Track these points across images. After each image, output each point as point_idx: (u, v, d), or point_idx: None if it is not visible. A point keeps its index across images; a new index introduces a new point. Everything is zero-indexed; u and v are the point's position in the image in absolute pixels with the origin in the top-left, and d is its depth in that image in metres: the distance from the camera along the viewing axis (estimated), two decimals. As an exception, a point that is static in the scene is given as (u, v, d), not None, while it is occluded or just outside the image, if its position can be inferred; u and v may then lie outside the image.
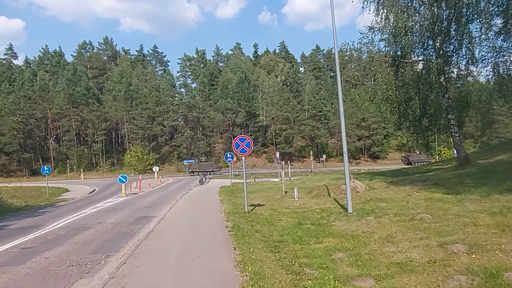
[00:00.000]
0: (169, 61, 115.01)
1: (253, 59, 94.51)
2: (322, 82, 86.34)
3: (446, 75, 18.50)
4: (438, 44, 17.81)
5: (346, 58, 19.70)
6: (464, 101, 18.46)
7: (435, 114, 19.73)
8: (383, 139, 68.26)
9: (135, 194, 23.94)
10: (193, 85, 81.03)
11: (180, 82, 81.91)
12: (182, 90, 76.28)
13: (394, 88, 18.45)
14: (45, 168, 27.01)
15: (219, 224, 9.91)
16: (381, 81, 18.19)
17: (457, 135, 18.09)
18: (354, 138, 66.03)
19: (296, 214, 11.82)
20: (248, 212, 12.46)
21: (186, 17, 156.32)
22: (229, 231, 8.75)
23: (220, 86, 75.87)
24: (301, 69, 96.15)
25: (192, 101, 68.26)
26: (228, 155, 26.23)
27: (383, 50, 19.66)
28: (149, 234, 8.98)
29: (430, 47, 18.73)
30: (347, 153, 11.32)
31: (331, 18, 10.49)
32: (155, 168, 46.51)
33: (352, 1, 18.67)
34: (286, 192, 18.34)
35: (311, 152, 52.62)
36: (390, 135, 73.39)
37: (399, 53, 18.83)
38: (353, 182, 17.07)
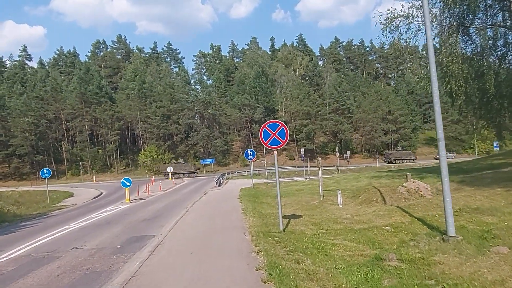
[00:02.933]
0: (184, 58, 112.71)
1: (270, 53, 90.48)
2: (342, 75, 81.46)
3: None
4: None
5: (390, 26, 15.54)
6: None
7: (508, 93, 15.32)
8: (411, 133, 62.93)
9: (142, 199, 20.59)
10: (209, 82, 77.90)
11: (195, 79, 78.79)
12: (197, 87, 73.21)
13: (460, 61, 14.18)
14: (45, 171, 24.11)
15: (244, 260, 6.17)
16: (444, 51, 13.93)
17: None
18: (380, 132, 61.09)
19: (355, 234, 8.01)
20: (284, 230, 8.67)
21: (200, 18, 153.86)
22: (263, 280, 4.99)
23: (236, 81, 72.36)
24: (320, 62, 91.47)
25: (208, 97, 64.97)
26: (249, 152, 22.56)
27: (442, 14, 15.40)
28: (128, 282, 5.34)
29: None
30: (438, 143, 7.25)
31: None
32: (170, 169, 43.38)
33: None
34: (323, 196, 14.46)
35: (337, 148, 48.28)
36: (418, 129, 67.95)
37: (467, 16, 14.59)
38: (414, 182, 13.07)
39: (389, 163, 52.94)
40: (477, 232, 6.88)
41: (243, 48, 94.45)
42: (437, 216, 8.68)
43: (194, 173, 50.38)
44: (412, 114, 66.93)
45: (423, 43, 15.83)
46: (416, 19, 15.27)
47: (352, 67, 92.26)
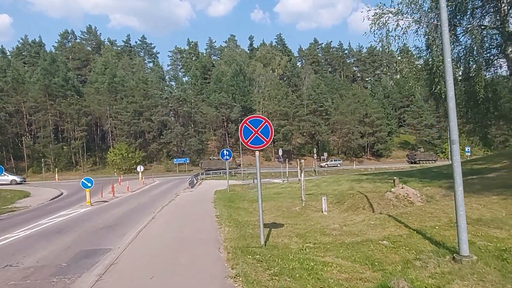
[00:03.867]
0: (159, 53, 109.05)
1: (248, 52, 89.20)
2: (320, 77, 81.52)
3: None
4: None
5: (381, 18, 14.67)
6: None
7: (493, 98, 14.88)
8: (386, 136, 63.71)
9: (105, 202, 18.71)
10: (185, 79, 75.54)
11: (170, 75, 75.96)
12: (172, 83, 70.63)
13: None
14: (-5, 168, 21.51)
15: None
16: (435, 50, 13.22)
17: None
18: (357, 135, 61.37)
19: (348, 249, 6.91)
20: (265, 244, 7.42)
21: (178, 14, 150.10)
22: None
23: (213, 79, 70.48)
24: (298, 63, 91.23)
25: (183, 94, 62.70)
26: (225, 151, 21.16)
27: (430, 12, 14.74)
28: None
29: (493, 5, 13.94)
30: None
31: None
32: (140, 168, 41.06)
33: None
34: (305, 201, 13.35)
35: (315, 149, 47.74)
36: (393, 132, 69.05)
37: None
38: (402, 188, 12.22)
39: (413, 163, 53.20)
40: (492, 251, 5.93)
41: (221, 45, 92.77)
42: (437, 228, 7.73)
43: (235, 169, 48.76)
44: (388, 117, 67.83)
45: (414, 40, 15.05)
46: (405, 16, 14.49)
47: (330, 69, 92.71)
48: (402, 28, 14.13)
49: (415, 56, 14.79)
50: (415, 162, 54.12)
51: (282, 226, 9.72)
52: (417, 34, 14.62)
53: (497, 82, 14.23)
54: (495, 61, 14.03)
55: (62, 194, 25.62)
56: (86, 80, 70.12)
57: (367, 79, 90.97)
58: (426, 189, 13.19)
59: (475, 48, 13.81)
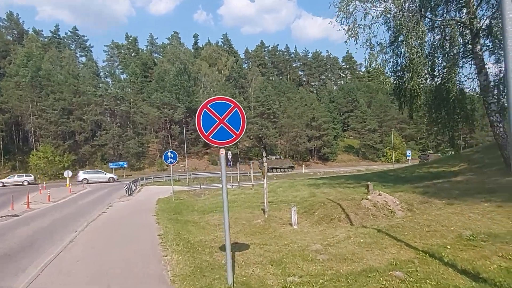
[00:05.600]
0: (93, 47, 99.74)
1: (193, 51, 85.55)
2: (267, 79, 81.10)
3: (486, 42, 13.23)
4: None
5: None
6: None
7: (459, 97, 14.29)
8: (333, 140, 64.90)
9: (15, 216, 14.77)
10: (123, 76, 69.71)
11: (106, 71, 69.14)
12: (109, 79, 64.45)
13: (425, 56, 12.57)
14: None
15: None
16: (410, 41, 12.08)
17: (500, 125, 12.76)
18: (304, 138, 61.46)
19: (351, 287, 4.87)
20: (234, 283, 5.13)
21: (115, 9, 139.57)
22: None
23: (155, 77, 65.84)
24: (245, 65, 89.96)
25: (121, 92, 57.31)
26: (169, 154, 18.30)
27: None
28: None
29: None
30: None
31: None
32: (68, 173, 35.74)
33: None
34: (263, 210, 11.30)
35: (264, 153, 46.18)
36: (339, 136, 70.80)
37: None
38: (380, 195, 10.75)
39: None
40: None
41: (163, 43, 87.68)
42: (449, 248, 6.09)
43: (291, 168, 52.80)
44: (334, 122, 69.26)
45: (384, 33, 13.90)
46: (374, 4, 13.24)
47: (277, 72, 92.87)
48: (373, 17, 12.82)
49: (383, 50, 13.63)
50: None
51: (247, 247, 7.51)
52: (386, 26, 13.44)
53: (464, 81, 13.69)
54: (464, 59, 13.38)
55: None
56: (5, 73, 60.91)
57: (312, 83, 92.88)
58: (399, 195, 11.89)
59: (446, 44, 13.00)
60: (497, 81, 12.54)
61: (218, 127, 5.13)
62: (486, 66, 12.40)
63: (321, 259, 6.32)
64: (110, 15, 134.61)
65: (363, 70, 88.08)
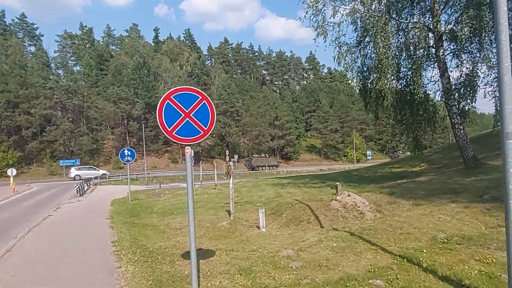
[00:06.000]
0: (43, 36, 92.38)
1: (153, 44, 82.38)
2: (231, 77, 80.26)
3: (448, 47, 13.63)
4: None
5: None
6: (472, 84, 13.54)
7: (423, 100, 14.61)
8: (295, 139, 65.60)
9: None
10: (76, 68, 65.29)
11: (57, 62, 64.15)
12: (60, 71, 59.82)
13: (392, 56, 12.62)
14: None
15: None
16: (379, 41, 12.06)
17: (461, 127, 13.18)
18: (267, 137, 61.49)
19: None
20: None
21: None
22: None
23: (112, 71, 62.34)
24: (208, 62, 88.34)
25: (73, 85, 53.54)
26: (126, 151, 17.03)
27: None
28: None
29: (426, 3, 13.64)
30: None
31: None
32: (11, 171, 32.53)
33: None
34: (229, 212, 10.72)
35: (227, 151, 45.42)
36: (301, 136, 71.76)
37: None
38: (349, 195, 10.55)
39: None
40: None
41: (121, 35, 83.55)
42: (426, 252, 5.88)
43: (276, 166, 52.91)
44: (297, 121, 70.03)
45: (352, 32, 13.80)
46: (344, 2, 13.09)
47: (240, 70, 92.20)
48: (342, 15, 12.65)
49: (350, 50, 13.54)
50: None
51: (213, 254, 6.89)
52: (354, 25, 13.35)
53: (427, 84, 14.00)
54: (427, 62, 13.66)
55: None
56: None
57: (276, 82, 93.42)
58: (366, 195, 11.81)
59: (411, 47, 13.18)
60: (458, 84, 12.93)
61: (184, 122, 4.44)
62: (448, 70, 12.72)
63: (294, 267, 5.85)
64: (63, 4, 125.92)
65: (325, 71, 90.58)
